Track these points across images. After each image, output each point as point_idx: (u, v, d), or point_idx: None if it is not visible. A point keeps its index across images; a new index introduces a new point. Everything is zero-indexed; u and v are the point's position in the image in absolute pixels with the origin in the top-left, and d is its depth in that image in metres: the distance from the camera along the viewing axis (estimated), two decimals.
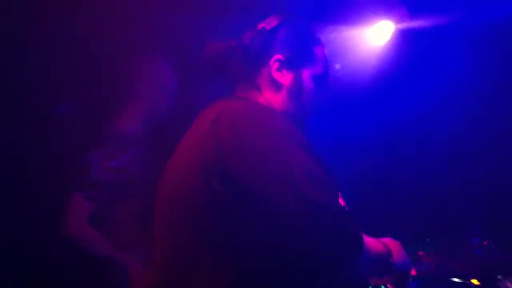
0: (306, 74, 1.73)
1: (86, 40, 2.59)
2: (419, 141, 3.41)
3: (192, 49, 2.29)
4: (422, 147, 3.40)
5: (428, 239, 2.41)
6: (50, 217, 2.44)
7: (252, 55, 1.73)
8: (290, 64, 1.71)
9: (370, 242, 1.52)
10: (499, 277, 2.21)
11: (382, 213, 3.08)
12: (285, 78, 1.71)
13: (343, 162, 2.50)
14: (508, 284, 2.18)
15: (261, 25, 1.76)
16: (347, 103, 3.19)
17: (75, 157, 2.48)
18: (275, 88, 1.71)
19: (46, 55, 2.57)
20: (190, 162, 1.52)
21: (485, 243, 2.46)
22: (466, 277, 2.19)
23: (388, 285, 1.97)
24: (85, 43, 2.61)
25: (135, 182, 2.54)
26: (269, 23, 1.75)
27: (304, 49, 1.76)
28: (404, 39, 3.06)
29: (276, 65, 1.71)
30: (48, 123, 2.70)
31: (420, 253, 2.43)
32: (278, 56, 1.71)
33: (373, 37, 3.06)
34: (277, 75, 1.70)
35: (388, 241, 1.62)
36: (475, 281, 2.17)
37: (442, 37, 3.12)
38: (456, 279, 2.15)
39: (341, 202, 1.65)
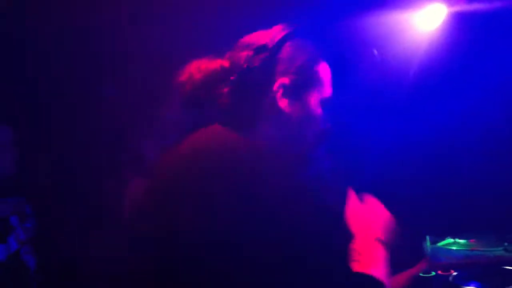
0: (315, 99, 1.47)
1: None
2: (477, 141, 3.02)
3: None
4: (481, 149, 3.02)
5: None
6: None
7: (250, 82, 1.42)
8: (297, 88, 1.45)
9: None
10: None
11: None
12: (293, 106, 1.44)
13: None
14: None
15: (258, 40, 1.47)
16: (394, 99, 2.89)
17: (126, 142, 2.43)
18: (280, 120, 1.43)
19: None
20: None
21: None
22: None
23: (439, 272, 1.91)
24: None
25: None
26: (270, 37, 1.46)
27: (312, 67, 1.48)
28: (459, 24, 2.73)
29: (281, 91, 1.43)
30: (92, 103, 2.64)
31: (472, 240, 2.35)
32: (283, 80, 1.43)
33: (423, 22, 2.69)
34: (283, 104, 1.42)
35: None
36: None
37: (503, 22, 2.76)
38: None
39: None
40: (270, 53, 1.43)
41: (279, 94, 1.43)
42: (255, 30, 1.54)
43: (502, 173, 2.81)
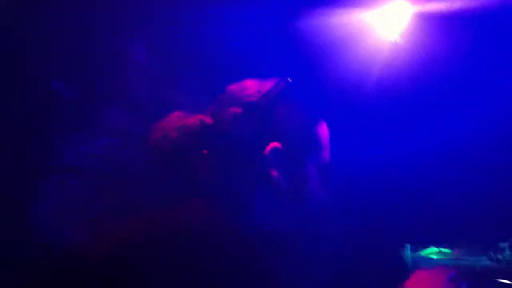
0: (311, 167, 1.24)
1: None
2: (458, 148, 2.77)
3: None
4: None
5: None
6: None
7: (237, 146, 1.17)
8: (291, 154, 1.22)
9: None
10: None
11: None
12: (285, 175, 1.19)
13: None
14: None
15: (248, 94, 1.21)
16: (348, 111, 2.71)
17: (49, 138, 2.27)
18: (270, 193, 1.18)
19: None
20: None
21: None
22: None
23: None
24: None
25: (126, 178, 2.28)
26: (263, 91, 1.20)
27: (310, 129, 1.25)
28: (426, 25, 2.46)
29: (272, 158, 1.20)
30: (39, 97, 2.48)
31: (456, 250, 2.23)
32: (276, 145, 1.19)
33: (385, 23, 2.40)
34: (274, 174, 1.18)
35: None
36: None
37: (477, 24, 2.51)
38: (504, 281, 1.91)
39: None
40: (263, 112, 1.19)
41: (269, 162, 1.19)
42: (243, 78, 1.30)
43: (487, 180, 2.69)
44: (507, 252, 2.23)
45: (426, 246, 2.24)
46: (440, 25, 2.55)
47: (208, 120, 1.23)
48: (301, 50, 2.10)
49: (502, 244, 2.30)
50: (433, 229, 2.42)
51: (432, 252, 2.24)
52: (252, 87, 1.25)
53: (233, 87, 1.24)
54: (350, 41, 2.40)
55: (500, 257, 2.22)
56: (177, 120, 1.26)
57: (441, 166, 2.74)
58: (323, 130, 1.32)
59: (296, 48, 2.02)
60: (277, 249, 1.15)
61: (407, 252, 2.19)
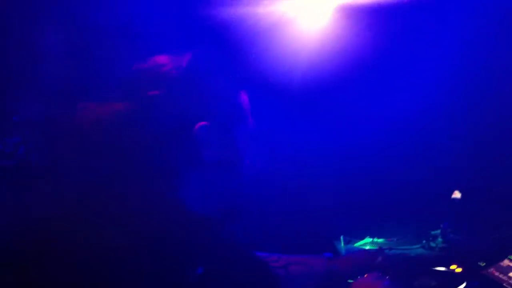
0: (241, 138, 1.27)
1: None
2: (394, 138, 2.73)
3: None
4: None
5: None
6: None
7: (158, 128, 1.14)
8: (219, 128, 1.20)
9: None
10: (481, 263, 1.95)
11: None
12: (216, 150, 1.19)
13: None
14: (493, 271, 1.92)
15: (162, 71, 1.19)
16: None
17: None
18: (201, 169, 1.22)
19: None
20: None
21: None
22: (445, 265, 1.92)
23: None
24: None
25: (23, 170, 2.13)
26: (174, 64, 1.18)
27: (232, 99, 1.29)
28: (350, 18, 2.38)
29: (201, 136, 1.15)
30: None
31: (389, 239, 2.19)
32: (202, 124, 1.15)
33: (308, 16, 2.28)
34: (205, 152, 1.18)
35: None
36: (456, 267, 1.91)
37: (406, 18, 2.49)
38: (439, 268, 1.88)
39: None
40: (184, 87, 1.14)
41: (200, 140, 1.14)
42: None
43: (421, 169, 2.68)
44: (439, 239, 2.21)
45: (360, 237, 2.19)
46: (364, 17, 2.50)
47: (124, 106, 1.13)
48: (222, 35, 2.00)
49: (434, 232, 2.28)
50: (367, 220, 2.38)
51: (365, 242, 2.19)
52: (169, 62, 1.14)
53: (150, 63, 1.13)
54: (275, 30, 2.33)
55: (433, 244, 2.20)
56: (93, 110, 1.13)
57: (371, 156, 2.71)
58: (245, 99, 1.26)
59: (217, 33, 1.92)
60: (216, 224, 1.09)
61: (341, 243, 2.13)
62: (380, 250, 1.81)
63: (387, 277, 1.68)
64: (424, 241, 2.22)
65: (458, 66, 2.53)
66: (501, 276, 1.91)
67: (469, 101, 2.65)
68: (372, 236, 2.21)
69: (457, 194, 2.42)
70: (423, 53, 2.60)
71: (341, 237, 2.16)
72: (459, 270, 1.89)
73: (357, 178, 2.64)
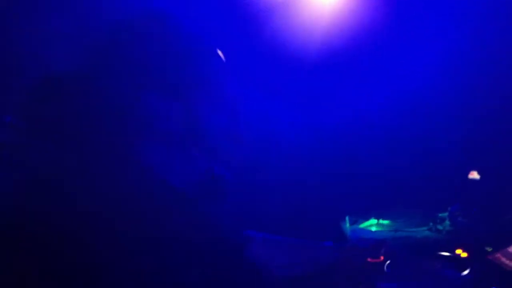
0: (206, 108, 1.09)
1: None
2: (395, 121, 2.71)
3: None
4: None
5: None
6: None
7: (104, 99, 0.97)
8: (181, 99, 1.09)
9: None
10: (487, 248, 1.93)
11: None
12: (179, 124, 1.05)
13: None
14: (499, 256, 1.90)
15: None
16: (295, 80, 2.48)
17: None
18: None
19: None
20: None
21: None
22: (451, 249, 1.90)
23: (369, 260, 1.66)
24: None
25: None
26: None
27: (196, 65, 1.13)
28: None
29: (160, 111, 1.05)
30: None
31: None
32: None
33: None
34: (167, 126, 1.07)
35: None
36: (461, 252, 1.88)
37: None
38: (443, 253, 1.85)
39: None
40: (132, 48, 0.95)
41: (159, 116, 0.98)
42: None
43: (424, 152, 2.64)
44: (447, 222, 2.18)
45: (366, 218, 2.17)
46: None
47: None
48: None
49: (441, 214, 2.25)
50: (373, 201, 2.35)
51: (371, 224, 2.17)
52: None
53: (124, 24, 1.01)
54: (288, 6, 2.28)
55: (440, 227, 2.17)
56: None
57: (378, 136, 2.67)
58: (213, 67, 1.09)
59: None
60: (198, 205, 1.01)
61: (347, 224, 2.10)
62: (383, 241, 1.77)
63: (389, 262, 1.66)
64: (431, 224, 2.20)
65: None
66: (507, 261, 1.88)
67: (478, 84, 2.60)
68: (378, 218, 2.18)
69: (474, 175, 2.38)
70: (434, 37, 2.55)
71: (347, 218, 2.13)
72: (464, 254, 1.87)
73: (363, 160, 2.61)
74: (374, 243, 1.67)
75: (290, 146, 2.42)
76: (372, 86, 2.63)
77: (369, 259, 1.64)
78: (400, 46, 2.58)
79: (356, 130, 2.70)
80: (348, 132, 2.69)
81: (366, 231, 2.07)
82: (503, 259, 1.89)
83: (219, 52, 1.07)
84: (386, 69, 2.63)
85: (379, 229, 2.11)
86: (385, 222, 2.19)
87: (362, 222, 2.17)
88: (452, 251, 1.86)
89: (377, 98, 2.65)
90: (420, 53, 2.55)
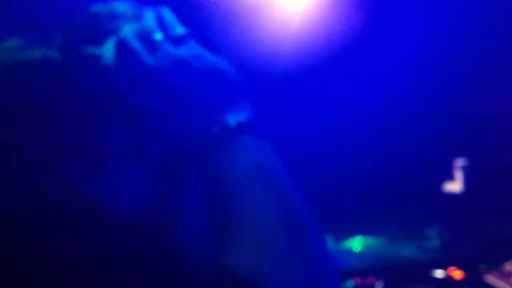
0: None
1: None
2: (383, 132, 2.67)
3: None
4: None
5: None
6: None
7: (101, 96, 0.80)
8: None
9: None
10: (481, 267, 1.79)
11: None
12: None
13: None
14: (494, 276, 1.76)
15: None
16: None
17: None
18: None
19: None
20: None
21: None
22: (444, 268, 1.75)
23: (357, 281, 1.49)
24: None
25: None
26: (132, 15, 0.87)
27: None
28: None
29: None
30: None
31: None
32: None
33: None
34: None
35: None
36: (457, 272, 1.73)
37: None
38: (436, 272, 1.70)
39: None
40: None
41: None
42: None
43: (413, 163, 2.53)
44: (435, 240, 2.03)
45: (350, 235, 2.00)
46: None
47: (56, 56, 0.82)
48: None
49: (428, 231, 2.11)
50: (355, 215, 2.20)
51: (355, 242, 2.01)
52: (125, 12, 0.86)
53: (97, 11, 0.84)
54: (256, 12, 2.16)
55: (427, 245, 2.02)
56: (9, 54, 0.85)
57: (360, 148, 2.56)
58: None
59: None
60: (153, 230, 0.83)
61: (329, 243, 1.94)
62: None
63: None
64: (417, 242, 2.05)
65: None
66: (503, 282, 1.74)
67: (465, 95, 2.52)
68: (361, 233, 2.02)
69: (453, 186, 2.27)
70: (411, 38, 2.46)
71: (329, 235, 1.97)
72: (458, 274, 1.72)
73: (345, 171, 2.48)
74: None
75: None
76: (347, 90, 2.53)
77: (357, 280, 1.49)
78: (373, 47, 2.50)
79: (334, 141, 2.57)
80: (328, 145, 2.57)
81: (352, 252, 1.91)
82: (499, 279, 1.75)
83: None
84: (363, 74, 2.54)
85: (363, 250, 1.95)
86: (369, 240, 2.04)
87: (344, 240, 2.02)
88: (444, 270, 1.72)
89: (354, 104, 2.54)
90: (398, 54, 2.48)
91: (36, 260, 0.67)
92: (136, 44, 0.78)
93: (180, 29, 0.81)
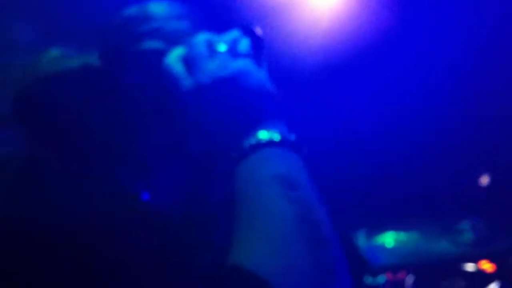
0: None
1: None
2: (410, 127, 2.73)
3: None
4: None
5: None
6: None
7: (136, 99, 0.91)
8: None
9: None
10: None
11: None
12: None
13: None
14: None
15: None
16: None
17: None
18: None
19: None
20: None
21: None
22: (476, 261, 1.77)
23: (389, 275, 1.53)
24: None
25: None
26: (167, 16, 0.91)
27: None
28: None
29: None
30: None
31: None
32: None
33: None
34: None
35: None
36: (488, 266, 1.75)
37: None
38: (468, 266, 1.72)
39: None
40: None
41: None
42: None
43: (447, 159, 2.53)
44: (468, 234, 2.05)
45: (382, 229, 2.03)
46: None
47: (96, 62, 0.89)
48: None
49: (460, 225, 2.12)
50: (387, 210, 2.22)
51: (388, 238, 2.03)
52: (161, 13, 0.91)
53: (133, 13, 0.88)
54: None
55: (460, 239, 2.04)
56: (51, 64, 0.91)
57: (388, 142, 2.58)
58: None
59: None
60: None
61: (360, 241, 1.97)
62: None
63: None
64: (450, 236, 2.07)
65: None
66: None
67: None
68: (394, 228, 2.04)
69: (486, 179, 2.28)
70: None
71: (362, 231, 2.00)
72: (490, 268, 1.74)
73: (379, 167, 2.50)
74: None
75: None
76: (379, 88, 2.55)
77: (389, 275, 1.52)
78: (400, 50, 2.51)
79: (366, 136, 2.60)
80: (358, 138, 2.60)
81: (384, 248, 1.94)
82: None
83: None
84: (389, 72, 2.56)
85: (396, 245, 1.98)
86: (401, 236, 2.06)
87: (376, 235, 2.04)
88: (476, 264, 1.74)
89: (385, 102, 2.55)
90: (424, 54, 2.48)
91: (90, 262, 0.73)
92: (202, 54, 0.83)
93: (244, 46, 0.85)
